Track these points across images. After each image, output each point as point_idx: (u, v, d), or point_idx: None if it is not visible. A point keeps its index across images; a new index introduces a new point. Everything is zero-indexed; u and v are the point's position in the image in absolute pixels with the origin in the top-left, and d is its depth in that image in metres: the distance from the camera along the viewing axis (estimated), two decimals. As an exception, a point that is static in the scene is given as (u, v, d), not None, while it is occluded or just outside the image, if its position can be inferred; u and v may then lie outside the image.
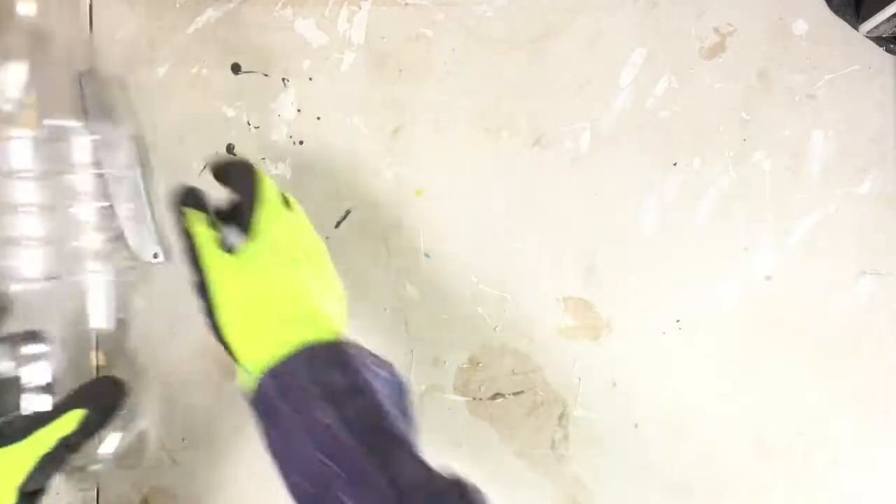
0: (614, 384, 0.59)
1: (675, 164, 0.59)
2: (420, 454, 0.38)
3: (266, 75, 0.60)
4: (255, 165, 0.46)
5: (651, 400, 0.58)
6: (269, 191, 0.46)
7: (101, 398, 0.44)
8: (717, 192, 0.59)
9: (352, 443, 0.37)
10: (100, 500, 0.58)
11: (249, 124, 0.59)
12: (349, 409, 0.38)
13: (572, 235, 0.59)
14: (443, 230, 0.59)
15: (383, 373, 0.41)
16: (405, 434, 0.39)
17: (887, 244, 0.59)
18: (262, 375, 0.40)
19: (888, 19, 0.56)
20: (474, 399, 0.59)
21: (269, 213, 0.44)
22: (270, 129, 0.59)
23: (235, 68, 0.60)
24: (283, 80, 0.60)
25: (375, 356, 0.42)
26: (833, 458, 0.58)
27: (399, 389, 0.42)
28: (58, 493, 0.58)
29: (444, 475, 0.37)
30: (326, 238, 0.59)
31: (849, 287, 0.59)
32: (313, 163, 0.59)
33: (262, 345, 0.41)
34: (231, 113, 0.59)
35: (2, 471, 0.41)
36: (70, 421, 0.42)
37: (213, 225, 0.44)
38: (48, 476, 0.42)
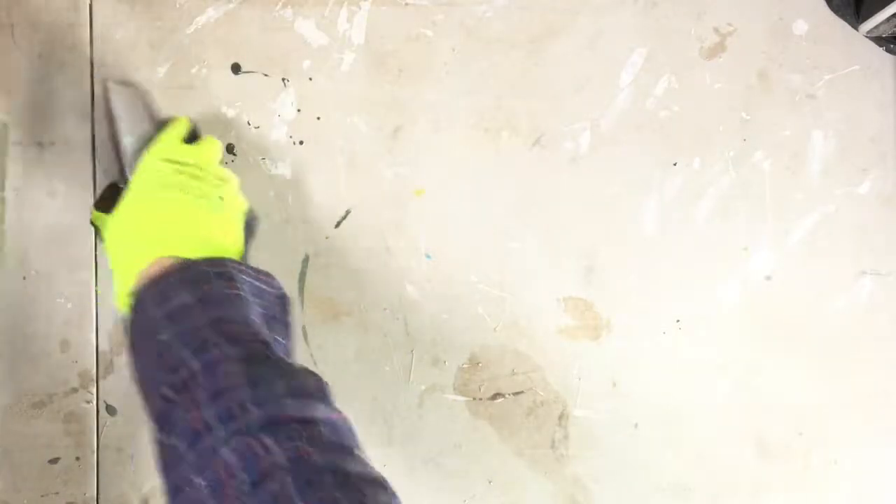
0: (614, 384, 0.59)
1: (675, 164, 0.59)
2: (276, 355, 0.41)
3: (266, 75, 0.60)
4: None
5: (651, 400, 0.59)
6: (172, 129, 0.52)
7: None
8: (717, 192, 0.59)
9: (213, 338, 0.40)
10: (100, 500, 0.58)
11: (249, 124, 0.59)
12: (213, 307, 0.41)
13: (572, 235, 0.59)
14: (443, 230, 0.59)
15: (260, 283, 0.45)
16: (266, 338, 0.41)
17: (887, 244, 0.59)
18: (136, 289, 0.44)
19: (888, 19, 0.56)
20: (474, 399, 0.59)
21: (160, 146, 0.50)
22: (270, 129, 0.59)
23: (235, 68, 0.60)
24: (283, 80, 0.60)
25: (252, 267, 0.46)
26: (833, 458, 0.58)
27: (280, 300, 0.46)
28: (57, 493, 0.58)
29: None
30: (326, 238, 0.59)
31: (849, 287, 0.59)
32: (313, 163, 0.59)
33: (136, 261, 0.45)
34: (231, 113, 0.59)
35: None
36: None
37: None
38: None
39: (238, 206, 0.51)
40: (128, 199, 0.49)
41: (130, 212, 0.48)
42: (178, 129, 0.52)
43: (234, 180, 0.52)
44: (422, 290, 0.59)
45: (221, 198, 0.49)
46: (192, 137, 0.54)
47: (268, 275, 0.47)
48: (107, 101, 0.53)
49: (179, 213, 0.47)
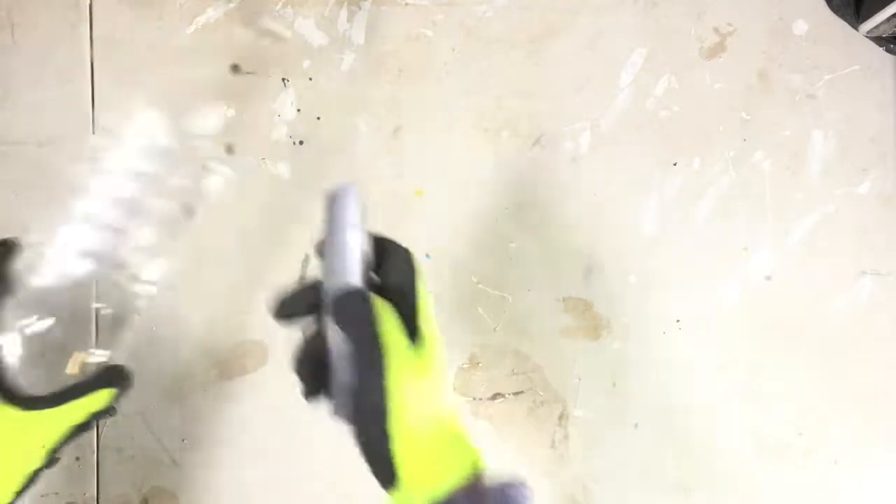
0: (614, 384, 0.59)
1: (675, 164, 0.59)
2: None
3: (266, 75, 0.60)
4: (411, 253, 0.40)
5: (651, 400, 0.58)
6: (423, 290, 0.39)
7: (120, 382, 0.45)
8: (717, 192, 0.59)
9: None
10: (100, 500, 0.58)
11: (249, 124, 0.59)
12: None
13: (572, 235, 0.59)
14: (443, 230, 0.59)
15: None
16: None
17: (887, 244, 0.59)
18: None
19: (888, 19, 0.56)
20: (474, 399, 0.59)
21: (427, 314, 0.38)
22: (270, 129, 0.59)
23: (235, 68, 0.60)
24: (283, 80, 0.60)
25: (512, 485, 0.37)
26: (833, 458, 0.58)
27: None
28: (57, 493, 0.58)
29: None
30: (326, 238, 0.59)
31: (849, 287, 0.59)
32: (313, 163, 0.59)
33: (434, 472, 0.36)
34: (231, 113, 0.59)
35: (37, 432, 0.43)
36: (102, 397, 0.44)
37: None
38: (68, 444, 0.44)
39: None
40: (431, 381, 0.37)
41: (435, 401, 0.37)
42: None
43: None
44: (422, 290, 0.59)
45: None
46: None
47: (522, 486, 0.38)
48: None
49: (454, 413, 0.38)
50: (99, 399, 0.44)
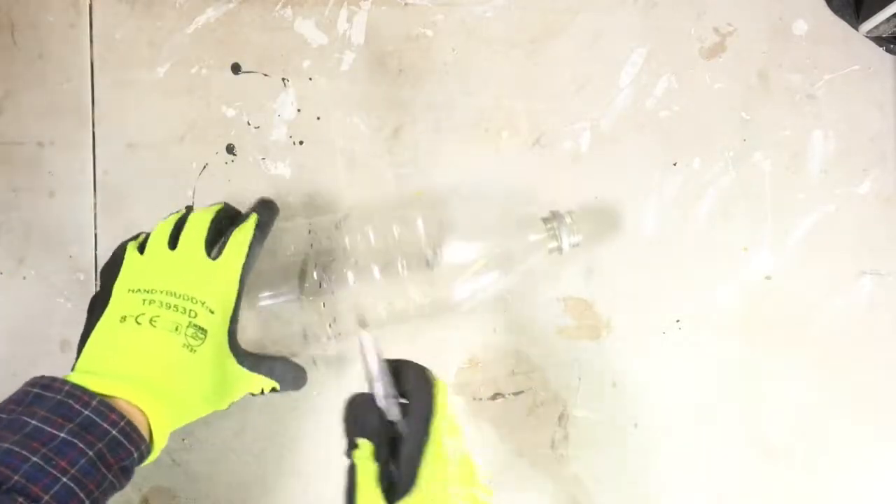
0: (614, 384, 0.59)
1: (674, 164, 0.59)
2: None
3: (266, 75, 0.60)
4: (433, 377, 0.44)
5: (651, 400, 0.58)
6: (441, 421, 0.42)
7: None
8: (717, 192, 0.59)
9: None
10: (100, 500, 0.58)
11: (249, 124, 0.59)
12: None
13: (572, 235, 0.59)
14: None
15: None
16: None
17: (887, 244, 0.59)
18: None
19: (888, 19, 0.56)
20: (474, 399, 0.59)
21: (434, 460, 0.41)
22: (270, 129, 0.59)
23: (235, 68, 0.60)
24: (283, 80, 0.60)
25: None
26: (833, 458, 0.58)
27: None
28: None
29: None
30: (327, 238, 0.59)
31: (849, 287, 0.59)
32: (313, 163, 0.59)
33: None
34: (231, 113, 0.59)
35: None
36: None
37: (377, 452, 0.41)
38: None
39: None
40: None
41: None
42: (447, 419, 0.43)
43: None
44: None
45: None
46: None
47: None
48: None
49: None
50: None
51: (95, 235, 0.59)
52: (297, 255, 0.52)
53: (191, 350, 0.45)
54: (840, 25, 0.60)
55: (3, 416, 0.40)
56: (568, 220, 0.54)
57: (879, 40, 0.59)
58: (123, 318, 0.45)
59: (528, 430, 0.58)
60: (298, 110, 0.60)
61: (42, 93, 0.59)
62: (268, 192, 0.59)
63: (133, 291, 0.46)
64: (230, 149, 0.59)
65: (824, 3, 0.60)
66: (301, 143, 0.59)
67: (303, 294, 0.54)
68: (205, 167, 0.59)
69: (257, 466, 0.57)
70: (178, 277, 0.47)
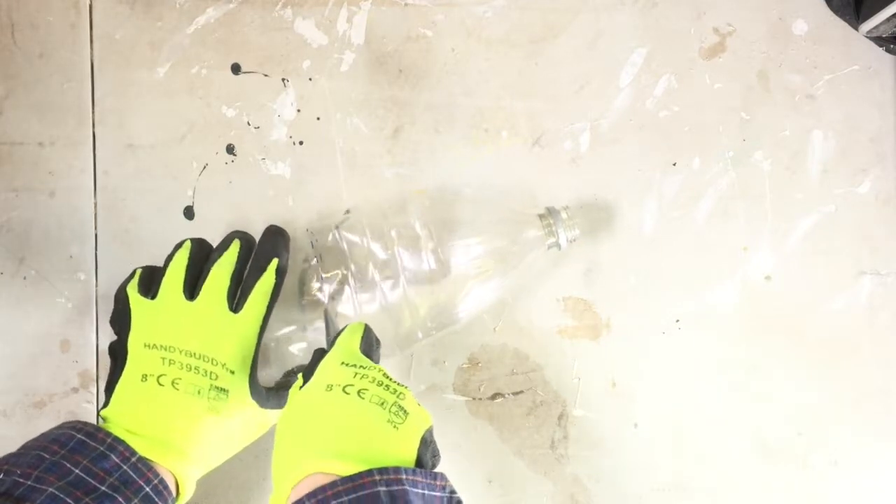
0: (614, 384, 0.59)
1: (674, 164, 0.59)
2: None
3: (266, 75, 0.60)
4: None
5: (651, 400, 0.59)
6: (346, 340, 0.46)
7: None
8: (717, 192, 0.59)
9: None
10: (100, 500, 0.58)
11: (249, 124, 0.59)
12: None
13: (572, 235, 0.59)
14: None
15: (434, 491, 0.40)
16: None
17: (887, 244, 0.59)
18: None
19: (888, 19, 0.56)
20: (474, 399, 0.59)
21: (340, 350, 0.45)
22: (270, 129, 0.59)
23: (235, 68, 0.60)
24: (283, 80, 0.60)
25: (426, 472, 0.40)
26: (833, 458, 0.58)
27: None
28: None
29: None
30: (325, 245, 0.59)
31: (849, 287, 0.59)
32: (313, 163, 0.59)
33: (291, 471, 0.41)
34: (231, 113, 0.59)
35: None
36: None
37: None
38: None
39: (422, 419, 0.43)
40: (297, 401, 0.44)
41: (296, 414, 0.43)
42: (357, 334, 0.47)
43: (409, 392, 0.44)
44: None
45: (406, 411, 0.42)
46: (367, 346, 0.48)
47: (442, 477, 0.41)
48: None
49: (351, 419, 0.41)
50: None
51: (95, 235, 0.59)
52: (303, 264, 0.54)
53: (215, 412, 0.46)
54: (840, 25, 0.60)
55: (47, 456, 0.42)
56: (564, 215, 0.54)
57: (879, 40, 0.59)
58: (144, 378, 0.46)
59: (527, 430, 0.59)
60: (298, 110, 0.60)
61: (42, 93, 0.59)
62: (268, 193, 0.59)
63: (149, 347, 0.47)
64: (230, 149, 0.59)
65: (824, 3, 0.60)
66: (301, 143, 0.59)
67: (303, 300, 0.54)
68: (205, 167, 0.59)
69: (257, 467, 0.57)
70: (197, 336, 0.47)
